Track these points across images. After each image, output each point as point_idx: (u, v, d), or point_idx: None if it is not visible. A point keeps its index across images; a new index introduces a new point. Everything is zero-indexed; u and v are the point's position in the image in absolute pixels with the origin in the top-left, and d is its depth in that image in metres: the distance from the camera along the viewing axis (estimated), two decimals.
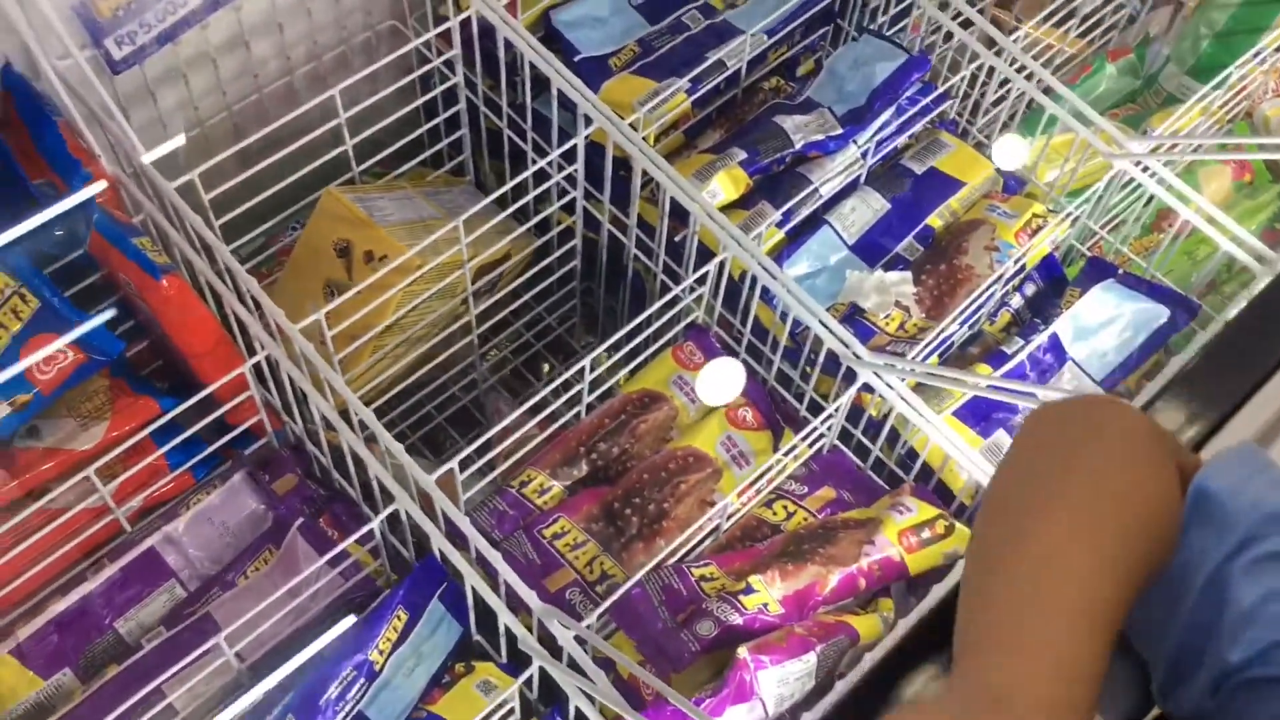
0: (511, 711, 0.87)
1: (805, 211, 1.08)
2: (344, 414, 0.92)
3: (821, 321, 0.97)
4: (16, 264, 0.87)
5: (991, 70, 1.13)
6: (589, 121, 1.05)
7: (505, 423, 0.94)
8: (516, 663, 0.91)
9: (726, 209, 1.07)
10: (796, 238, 1.08)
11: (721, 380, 0.94)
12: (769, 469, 0.95)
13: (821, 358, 0.98)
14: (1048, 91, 1.13)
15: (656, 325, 1.01)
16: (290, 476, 0.99)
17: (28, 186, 0.92)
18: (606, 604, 0.85)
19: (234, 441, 0.98)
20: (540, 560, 0.94)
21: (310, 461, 1.02)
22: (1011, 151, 1.09)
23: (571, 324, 1.33)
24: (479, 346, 1.22)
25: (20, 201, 0.92)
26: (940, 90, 1.11)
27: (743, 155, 1.07)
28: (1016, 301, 1.10)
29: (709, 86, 1.12)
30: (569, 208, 1.16)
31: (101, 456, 0.88)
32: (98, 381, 0.92)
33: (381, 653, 0.85)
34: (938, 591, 0.86)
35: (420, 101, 1.16)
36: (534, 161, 1.17)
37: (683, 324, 1.07)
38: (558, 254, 1.20)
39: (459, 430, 1.29)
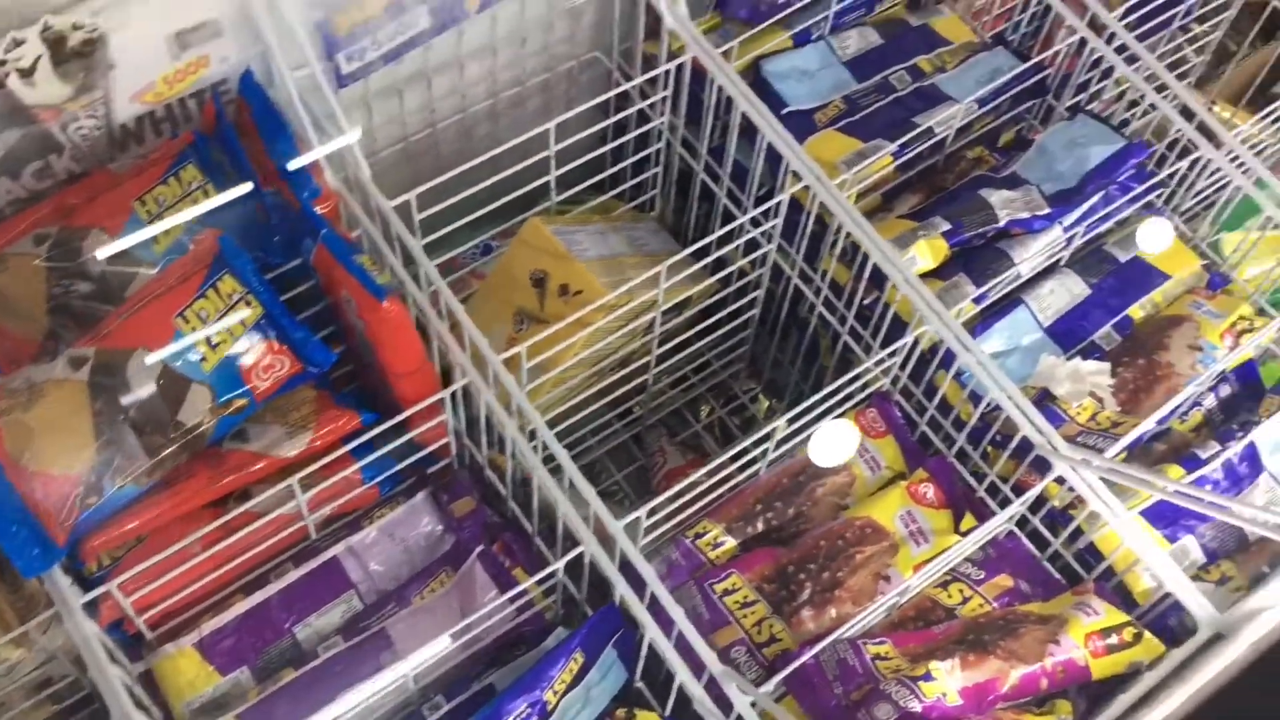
0: None
1: (1003, 290, 1.06)
2: (532, 447, 0.93)
3: (1019, 407, 0.95)
4: (244, 269, 0.90)
5: (1206, 162, 1.10)
6: (796, 177, 1.05)
7: (693, 478, 0.94)
8: (680, 715, 0.91)
9: (922, 278, 1.06)
10: (989, 313, 1.07)
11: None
12: (947, 553, 0.94)
13: (1015, 443, 0.96)
14: (1259, 184, 1.10)
15: (839, 389, 1.00)
16: (468, 500, 1.00)
17: (260, 193, 0.95)
18: (784, 672, 0.85)
19: (418, 460, 1.00)
20: (709, 615, 0.95)
21: (488, 487, 1.03)
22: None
23: (737, 369, 1.33)
24: (652, 379, 1.23)
25: (251, 208, 0.95)
26: (1156, 179, 1.09)
27: (946, 226, 1.06)
28: (1209, 402, 1.07)
29: (915, 152, 1.11)
30: (753, 250, 1.16)
31: (304, 465, 0.91)
32: (305, 391, 0.94)
33: (556, 693, 0.86)
34: (1124, 701, 0.84)
35: (621, 140, 1.18)
36: (727, 209, 1.18)
37: (867, 391, 1.06)
38: (735, 299, 1.19)
39: (615, 463, 1.30)
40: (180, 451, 0.87)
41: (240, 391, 0.88)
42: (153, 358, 0.85)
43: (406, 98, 1.15)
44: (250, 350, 0.89)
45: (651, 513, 0.91)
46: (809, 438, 1.02)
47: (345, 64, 1.05)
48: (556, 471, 0.91)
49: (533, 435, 0.93)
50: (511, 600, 0.92)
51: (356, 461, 0.95)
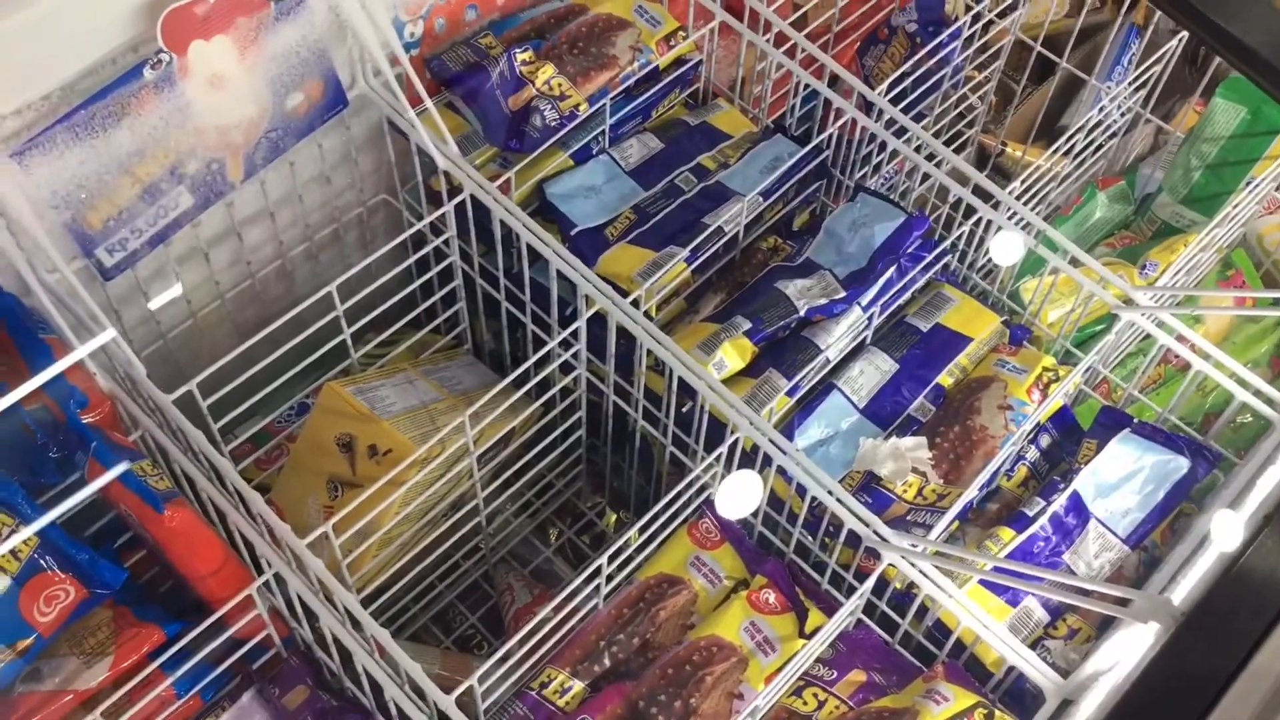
0: None
1: (814, 378, 1.06)
2: (356, 626, 0.89)
3: (840, 500, 0.95)
4: (13, 499, 0.85)
5: (989, 224, 1.12)
6: (590, 302, 1.04)
7: (523, 632, 0.90)
8: None
9: (733, 378, 1.06)
10: (805, 403, 1.07)
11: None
12: (798, 660, 0.92)
13: (844, 535, 0.96)
14: (1039, 236, 1.13)
15: (675, 499, 0.99)
16: (301, 689, 0.95)
17: (21, 413, 0.90)
18: None
19: (241, 656, 0.95)
20: None
21: (320, 668, 0.98)
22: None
23: (578, 486, 1.31)
24: (485, 520, 1.20)
25: (16, 429, 0.90)
26: (942, 247, 1.11)
27: (747, 325, 1.06)
28: (1032, 454, 1.08)
29: (708, 253, 1.11)
30: (570, 370, 1.14)
31: (107, 694, 0.85)
32: (100, 614, 0.89)
33: None
34: None
35: (421, 281, 1.16)
36: (535, 335, 1.17)
37: (699, 498, 1.04)
38: (561, 417, 1.17)
39: (468, 604, 1.26)
40: None
41: (24, 631, 0.83)
42: None
43: (184, 276, 1.11)
44: (29, 585, 0.83)
45: (485, 676, 0.87)
46: (655, 550, 1.01)
47: (107, 257, 1.01)
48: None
49: (350, 615, 0.89)
50: None
51: (168, 676, 0.89)
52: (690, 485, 1.00)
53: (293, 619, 0.96)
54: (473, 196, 1.08)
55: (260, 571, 0.92)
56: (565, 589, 0.92)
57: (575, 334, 1.07)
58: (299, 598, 0.90)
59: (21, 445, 0.90)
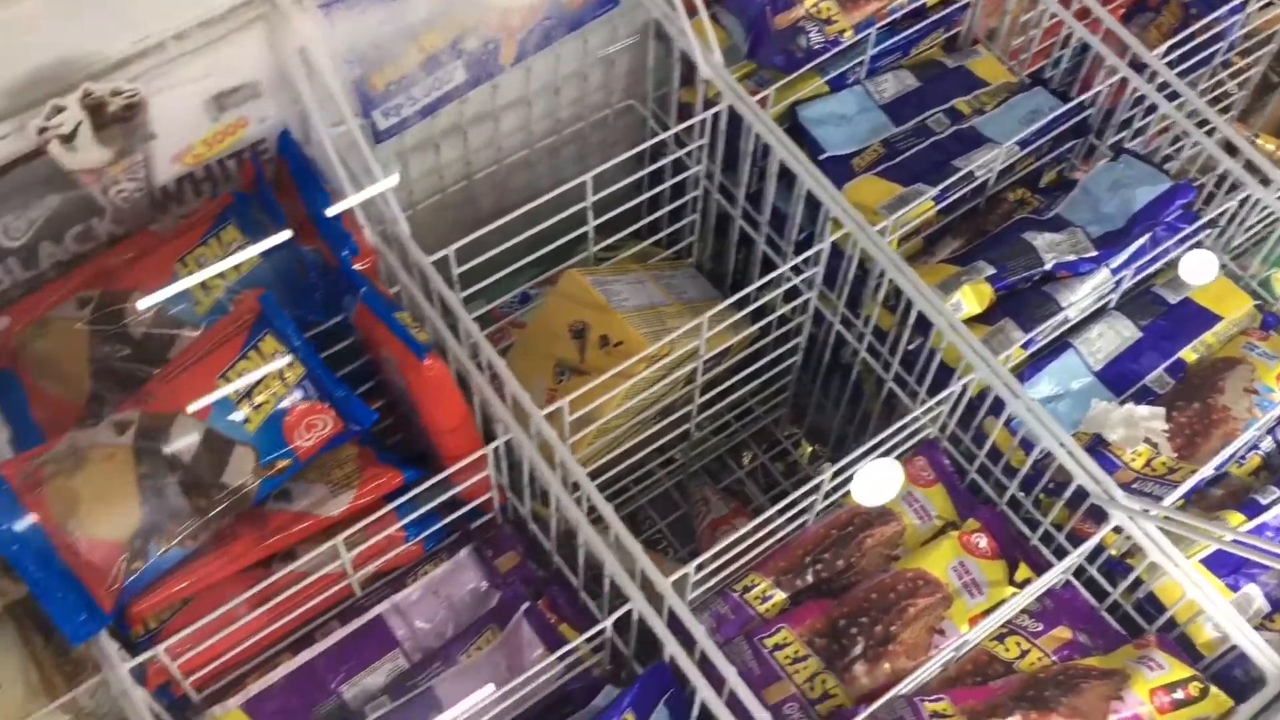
0: None
1: (1050, 335, 1.04)
2: (576, 502, 0.92)
3: (1072, 455, 0.93)
4: (285, 329, 0.90)
5: (1256, 201, 1.08)
6: (837, 224, 1.04)
7: (742, 531, 0.92)
8: None
9: (967, 323, 1.05)
10: (1037, 358, 1.05)
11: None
12: (1004, 606, 0.92)
13: (1069, 492, 0.94)
14: None
15: (888, 438, 0.99)
16: (513, 555, 0.99)
17: (299, 250, 0.95)
18: None
19: (462, 515, 0.99)
20: (759, 670, 0.93)
21: (532, 540, 1.02)
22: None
23: (779, 414, 1.32)
24: (694, 429, 1.21)
25: (291, 265, 0.95)
26: (1203, 220, 1.07)
27: (990, 270, 1.05)
28: (1268, 444, 1.04)
29: (956, 196, 1.10)
30: (793, 296, 1.15)
31: (347, 524, 0.90)
32: (347, 449, 0.94)
33: None
34: None
35: (652, 193, 1.17)
36: (767, 255, 1.18)
37: (915, 438, 1.04)
38: (776, 346, 1.18)
39: (658, 511, 1.28)
40: (225, 514, 0.86)
41: (283, 452, 0.88)
42: (196, 405, 0.84)
43: (443, 151, 1.15)
44: (293, 411, 0.89)
45: (700, 567, 0.89)
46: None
47: (381, 120, 1.05)
48: (600, 524, 0.91)
49: (576, 488, 0.92)
50: (559, 658, 0.91)
51: (399, 519, 0.94)
52: (910, 424, 1.00)
53: (512, 491, 1.00)
54: (731, 109, 1.09)
55: (490, 439, 0.96)
56: (774, 508, 0.93)
57: (811, 259, 1.07)
58: (530, 465, 0.93)
59: (294, 282, 0.95)
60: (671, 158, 1.17)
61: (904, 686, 0.89)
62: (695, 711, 0.88)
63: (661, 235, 1.28)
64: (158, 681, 0.86)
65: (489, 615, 0.95)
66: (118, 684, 0.81)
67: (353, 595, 0.96)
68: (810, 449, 1.32)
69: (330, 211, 0.94)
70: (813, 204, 1.07)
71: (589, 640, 0.91)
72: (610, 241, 1.16)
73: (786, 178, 1.09)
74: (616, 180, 1.10)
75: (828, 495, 0.95)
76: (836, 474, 0.93)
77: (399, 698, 0.91)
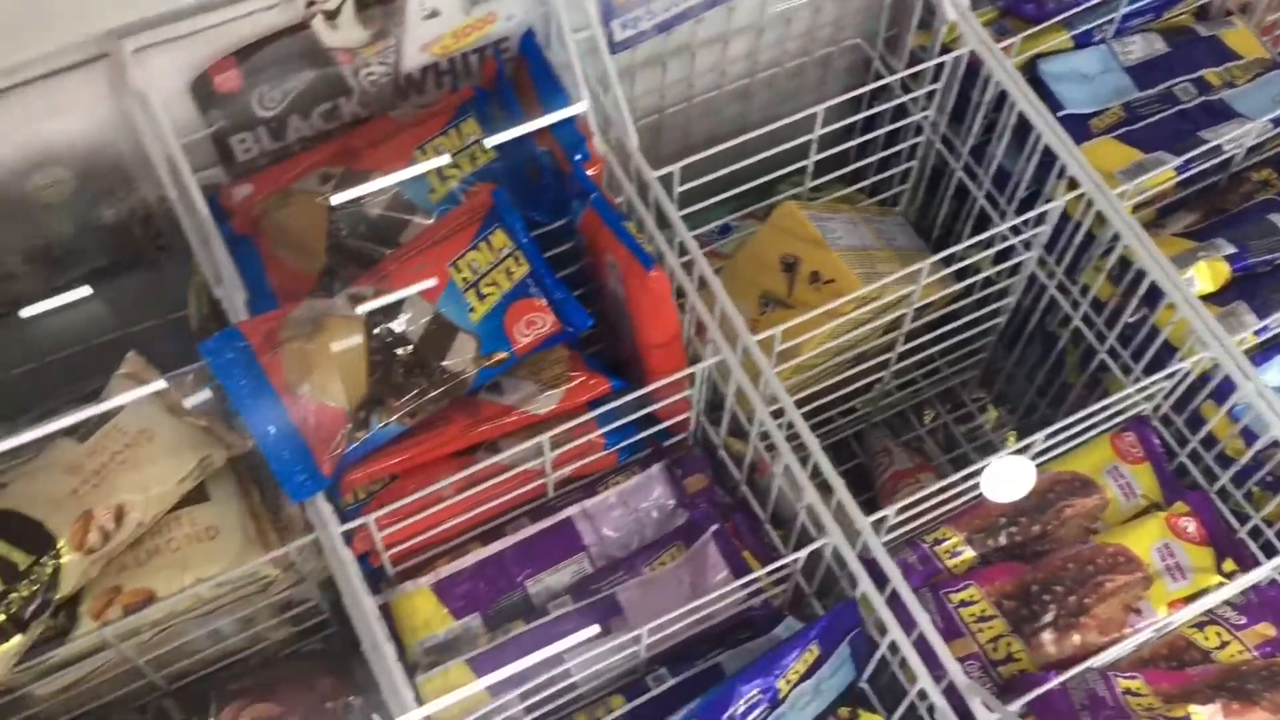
0: None
1: None
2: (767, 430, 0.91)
3: None
4: (515, 225, 0.91)
5: None
6: (1072, 184, 1.00)
7: (948, 481, 0.91)
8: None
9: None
10: (1268, 347, 1.00)
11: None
12: (1208, 595, 0.89)
13: None
14: None
15: (1099, 411, 0.96)
16: (701, 477, 0.99)
17: (534, 150, 0.96)
18: (1030, 695, 0.82)
19: (656, 433, 0.99)
20: (942, 624, 0.91)
21: (719, 467, 1.02)
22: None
23: (969, 376, 1.29)
24: (889, 378, 1.20)
25: (523, 164, 0.96)
26: None
27: (1230, 249, 1.00)
28: None
29: (1199, 169, 1.05)
30: (1003, 258, 1.11)
31: (551, 424, 0.91)
32: (559, 351, 0.95)
33: (788, 682, 0.84)
34: None
35: (875, 134, 1.15)
36: (982, 212, 1.15)
37: (1124, 415, 1.00)
38: (977, 306, 1.15)
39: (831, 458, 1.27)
40: (441, 397, 0.88)
41: (502, 344, 0.89)
42: (426, 286, 0.86)
43: (669, 70, 1.15)
44: (515, 305, 0.90)
45: (900, 511, 0.88)
46: (1059, 455, 0.99)
47: (619, 31, 1.05)
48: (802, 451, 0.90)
49: (779, 415, 0.92)
50: (743, 584, 0.91)
51: (600, 427, 0.95)
52: (1123, 400, 0.96)
53: (706, 413, 1.00)
54: (973, 54, 1.06)
55: (693, 362, 0.96)
56: (993, 457, 0.91)
57: (1033, 220, 1.04)
58: (735, 388, 0.93)
59: (525, 181, 0.97)
60: (894, 102, 1.15)
61: (1094, 661, 0.87)
62: (879, 654, 0.87)
63: (866, 183, 1.26)
64: (360, 550, 0.89)
65: (676, 532, 0.96)
66: (329, 545, 0.84)
67: (545, 495, 0.97)
68: (996, 414, 1.29)
69: (567, 114, 0.94)
70: (1045, 163, 1.03)
71: (773, 571, 0.91)
72: (815, 184, 1.15)
73: (1019, 133, 1.05)
74: (829, 123, 1.08)
75: (1038, 456, 0.93)
76: (1050, 435, 0.91)
77: (581, 599, 0.93)
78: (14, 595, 0.77)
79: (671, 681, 0.90)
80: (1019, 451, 0.92)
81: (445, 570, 0.94)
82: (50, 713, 0.86)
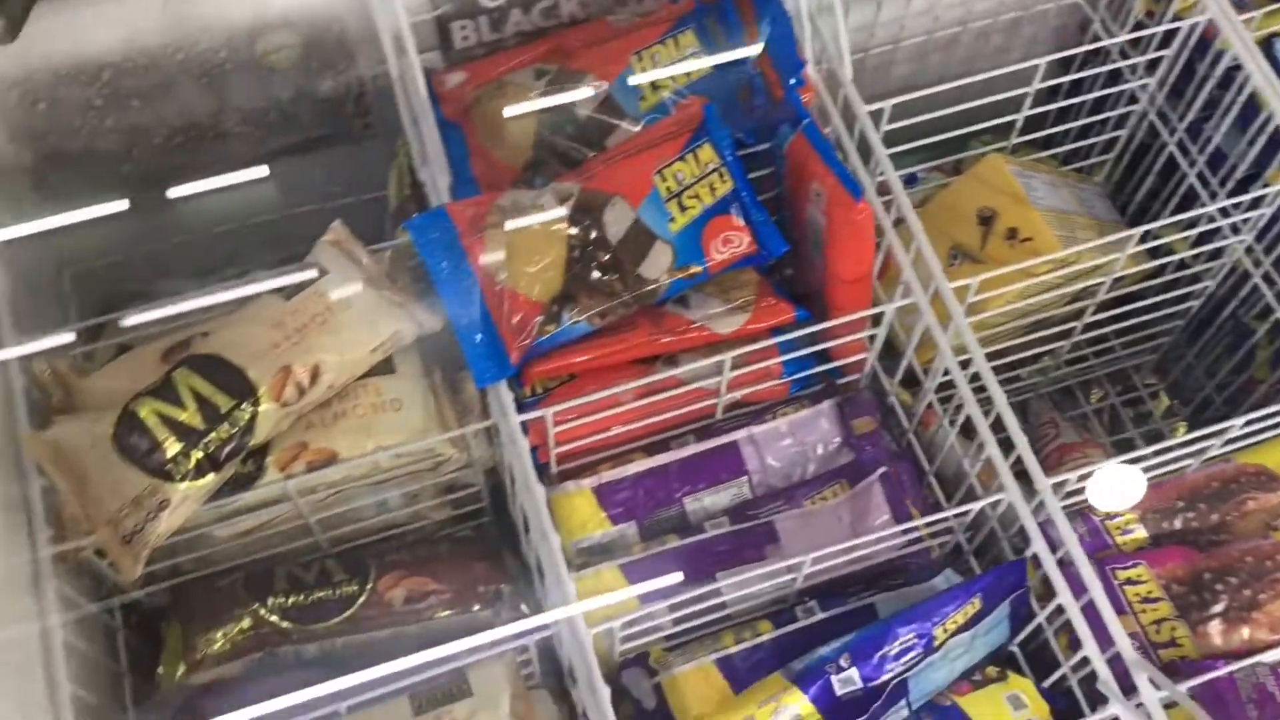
0: None
1: None
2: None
3: None
4: (722, 142, 0.91)
5: None
6: None
7: (1130, 455, 0.88)
8: (1053, 690, 0.87)
9: None
10: None
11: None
12: None
13: None
14: None
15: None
16: (869, 420, 0.98)
17: (747, 72, 0.95)
18: (1196, 680, 0.79)
19: (831, 370, 0.98)
20: (1106, 599, 0.89)
21: (887, 413, 1.01)
22: None
23: (1142, 361, 1.25)
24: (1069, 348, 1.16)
25: (735, 84, 0.96)
26: None
27: None
28: None
29: None
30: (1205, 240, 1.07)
31: (734, 345, 0.91)
32: (748, 274, 0.95)
33: (946, 630, 0.83)
34: None
35: (1084, 98, 1.11)
36: (1190, 190, 1.10)
37: None
38: (1167, 289, 1.11)
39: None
40: (632, 302, 0.89)
41: (697, 258, 0.89)
42: (631, 191, 0.86)
43: (884, 9, 1.12)
44: (714, 221, 0.90)
45: (1081, 478, 0.86)
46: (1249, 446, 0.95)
47: None
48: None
49: (965, 365, 0.90)
50: (905, 530, 0.90)
51: (780, 354, 0.94)
52: None
53: (880, 357, 0.99)
54: (1211, 22, 1.01)
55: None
56: (1177, 439, 0.89)
57: (1247, 204, 1.00)
58: (922, 334, 0.92)
59: (735, 100, 0.96)
60: (1110, 67, 1.11)
61: (1264, 657, 0.84)
62: (1040, 618, 0.86)
63: (1061, 150, 1.22)
64: (532, 443, 0.91)
65: (840, 470, 0.95)
66: (506, 432, 0.86)
67: (712, 416, 0.98)
68: (1168, 403, 1.25)
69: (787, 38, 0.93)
70: (1269, 146, 0.99)
71: (940, 520, 0.90)
72: (1006, 144, 1.11)
73: (1245, 112, 1.01)
74: (1038, 82, 1.04)
75: (1227, 443, 0.90)
76: (1248, 424, 0.88)
77: (737, 523, 0.93)
78: (213, 435, 0.80)
79: (821, 615, 0.90)
80: (1212, 435, 0.89)
81: (608, 475, 0.95)
82: (225, 555, 0.90)
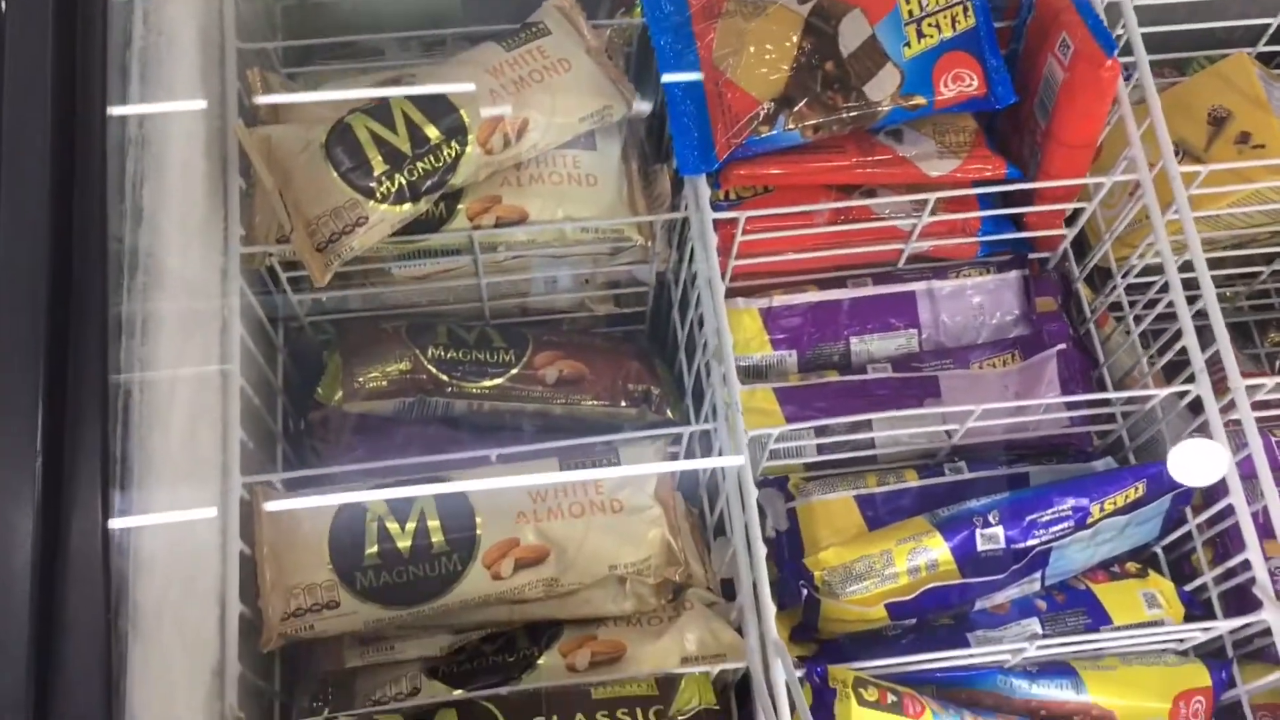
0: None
1: None
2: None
3: None
4: None
5: None
6: None
7: None
8: (1193, 596, 0.85)
9: None
10: None
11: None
12: None
13: None
14: None
15: None
16: (1051, 300, 0.95)
17: None
18: None
19: (1023, 240, 0.95)
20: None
21: (1071, 300, 0.97)
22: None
23: None
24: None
25: None
26: None
27: None
28: None
29: None
30: None
31: (939, 188, 0.88)
32: (968, 120, 0.91)
33: (1102, 509, 0.81)
34: None
35: None
36: None
37: None
38: None
39: None
40: (849, 121, 0.86)
41: (925, 89, 0.86)
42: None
43: None
44: (949, 55, 0.86)
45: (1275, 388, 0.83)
46: None
47: None
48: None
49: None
50: (1071, 405, 0.88)
51: (979, 209, 0.91)
52: None
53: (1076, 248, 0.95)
54: None
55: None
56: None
57: None
58: (1134, 215, 0.88)
59: None
60: None
61: None
62: (1197, 521, 0.84)
63: None
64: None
65: (1015, 341, 0.93)
66: (698, 227, 0.84)
67: (894, 262, 0.95)
68: None
69: None
70: None
71: (1106, 403, 0.88)
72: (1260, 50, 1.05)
73: None
74: None
75: None
76: None
77: (900, 372, 0.92)
78: (419, 165, 0.80)
79: (968, 474, 0.89)
80: None
81: (779, 300, 0.94)
82: (393, 299, 0.91)
